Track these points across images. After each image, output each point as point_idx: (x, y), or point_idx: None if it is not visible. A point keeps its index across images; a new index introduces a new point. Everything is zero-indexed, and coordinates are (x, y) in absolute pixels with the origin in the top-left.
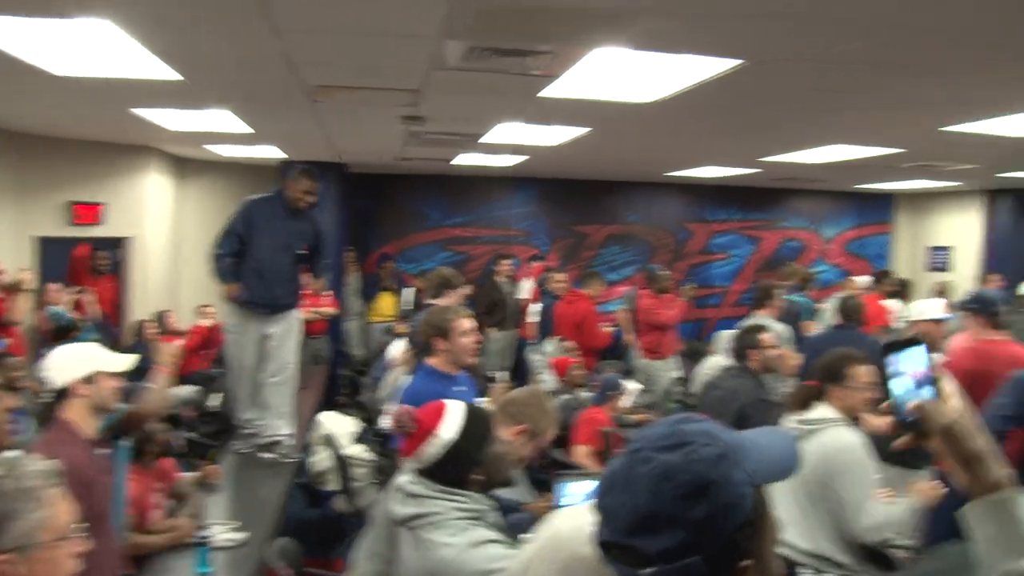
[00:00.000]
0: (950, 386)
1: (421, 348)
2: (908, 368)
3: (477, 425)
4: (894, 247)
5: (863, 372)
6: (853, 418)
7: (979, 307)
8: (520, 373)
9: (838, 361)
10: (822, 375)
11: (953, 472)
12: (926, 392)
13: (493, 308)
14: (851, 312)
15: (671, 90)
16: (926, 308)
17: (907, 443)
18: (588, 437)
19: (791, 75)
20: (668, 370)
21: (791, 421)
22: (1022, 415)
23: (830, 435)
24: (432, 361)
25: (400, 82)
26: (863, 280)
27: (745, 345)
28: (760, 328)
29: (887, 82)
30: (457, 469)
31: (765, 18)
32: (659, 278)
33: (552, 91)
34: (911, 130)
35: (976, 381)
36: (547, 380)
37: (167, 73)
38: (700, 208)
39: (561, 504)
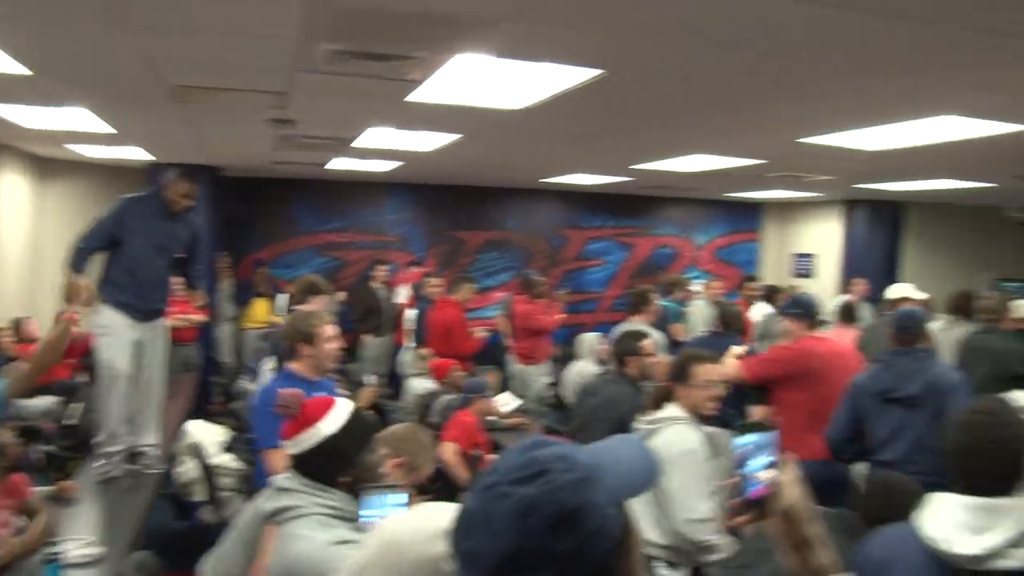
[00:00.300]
0: (791, 471)
1: (284, 353)
2: (755, 450)
3: (358, 428)
4: (762, 254)
5: (705, 371)
6: (698, 416)
7: (801, 312)
8: (396, 380)
9: (684, 361)
10: (670, 375)
11: (784, 554)
12: (769, 474)
13: (369, 314)
14: (730, 319)
15: (536, 98)
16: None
17: (747, 521)
18: (456, 436)
19: (652, 86)
20: (541, 375)
21: (641, 422)
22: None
23: (669, 432)
24: (295, 366)
25: (264, 84)
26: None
27: (625, 351)
28: (641, 335)
29: (745, 96)
30: (328, 466)
31: (624, 31)
32: (535, 283)
33: (421, 96)
34: (770, 142)
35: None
36: (419, 386)
37: (13, 67)
38: (575, 215)
39: (366, 516)
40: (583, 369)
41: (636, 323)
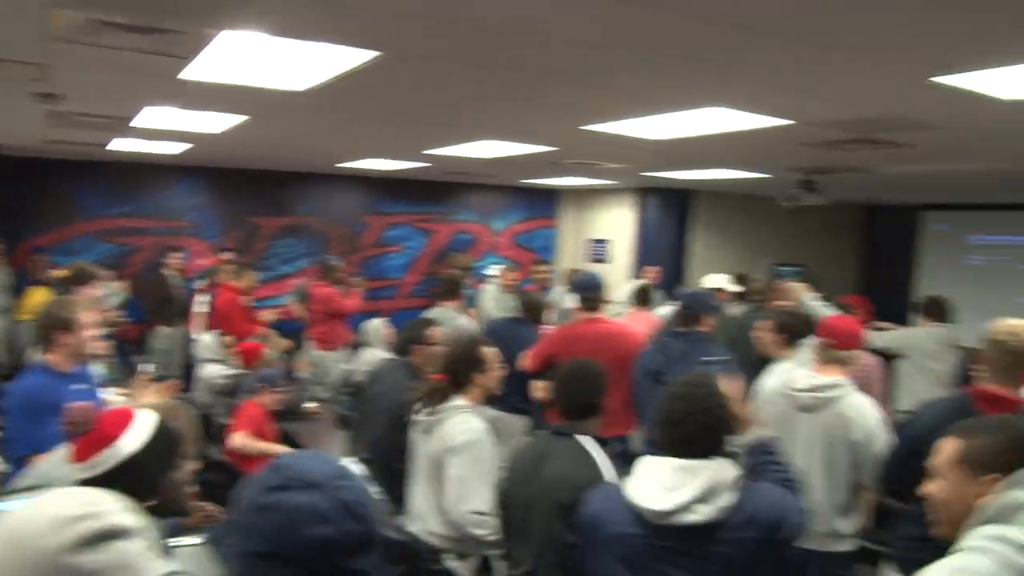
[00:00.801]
0: None
1: (40, 343)
2: None
3: (165, 444)
4: (560, 240)
5: (491, 353)
6: (487, 400)
7: (579, 294)
8: (191, 370)
9: (472, 347)
10: (465, 365)
11: None
12: None
13: (162, 303)
14: (532, 307)
15: (317, 80)
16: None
17: None
18: (243, 427)
19: (429, 71)
20: (339, 361)
21: (422, 414)
22: None
23: (452, 420)
24: (50, 357)
25: (18, 54)
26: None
27: (410, 339)
28: (428, 323)
29: (521, 84)
30: (131, 488)
31: (397, 13)
32: (334, 268)
33: (196, 75)
34: (556, 129)
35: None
36: (213, 372)
37: None
38: (374, 201)
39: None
40: (371, 356)
41: (447, 308)
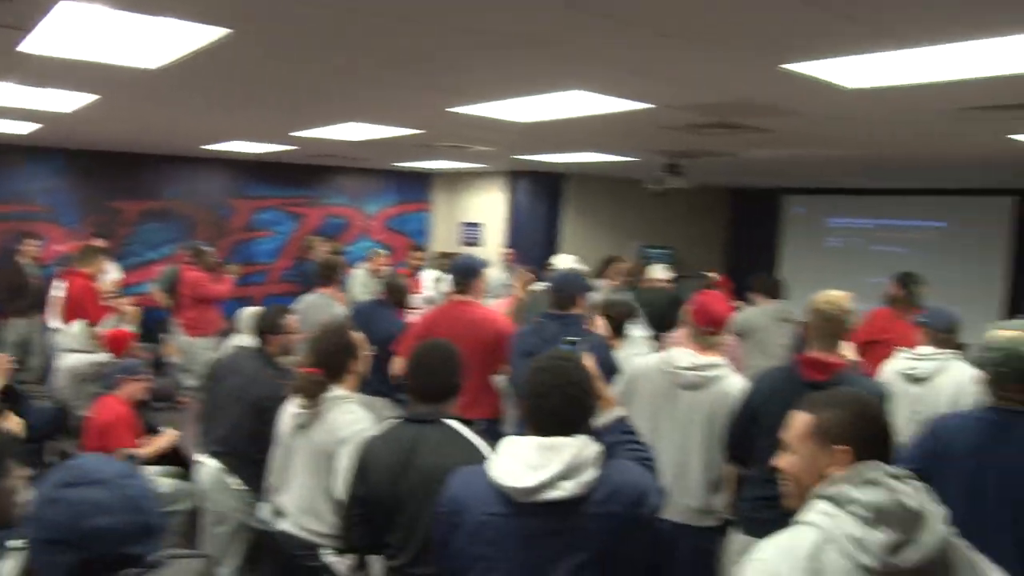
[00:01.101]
0: None
1: None
2: None
3: None
4: (433, 223)
5: (359, 338)
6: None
7: (455, 276)
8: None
9: (344, 333)
10: (339, 355)
11: None
12: None
13: (17, 293)
14: (395, 291)
15: (170, 57)
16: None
17: None
18: (104, 421)
19: (288, 50)
20: (208, 348)
21: (297, 405)
22: None
23: (338, 411)
24: None
25: None
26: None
27: (266, 328)
28: (284, 310)
29: (379, 65)
30: None
31: None
32: (205, 254)
33: (37, 48)
34: (423, 112)
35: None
36: (73, 362)
37: None
38: (243, 184)
39: None
40: (241, 344)
41: (324, 295)
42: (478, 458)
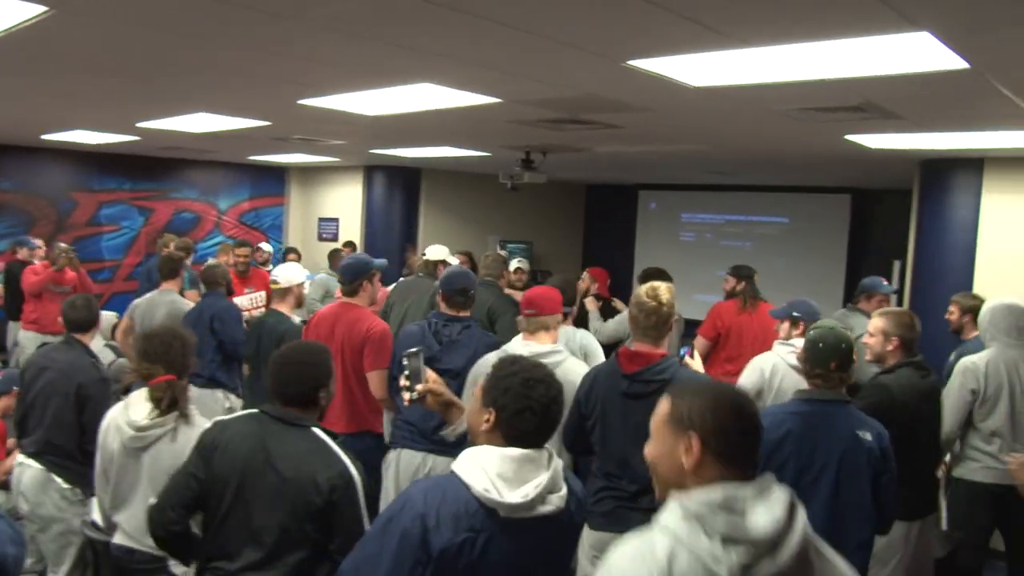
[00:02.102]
0: None
1: None
2: None
3: None
4: (288, 218)
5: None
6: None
7: (342, 277)
8: None
9: (185, 339)
10: (186, 356)
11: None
12: None
13: None
14: (216, 279)
15: None
16: (293, 273)
17: None
18: None
19: (116, 34)
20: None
21: (138, 416)
22: None
23: (190, 426)
24: None
25: None
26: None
27: (78, 319)
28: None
29: (216, 50)
30: None
31: None
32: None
33: None
34: (271, 103)
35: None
36: None
37: None
38: (87, 177)
39: None
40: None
41: (168, 289)
42: (347, 476)
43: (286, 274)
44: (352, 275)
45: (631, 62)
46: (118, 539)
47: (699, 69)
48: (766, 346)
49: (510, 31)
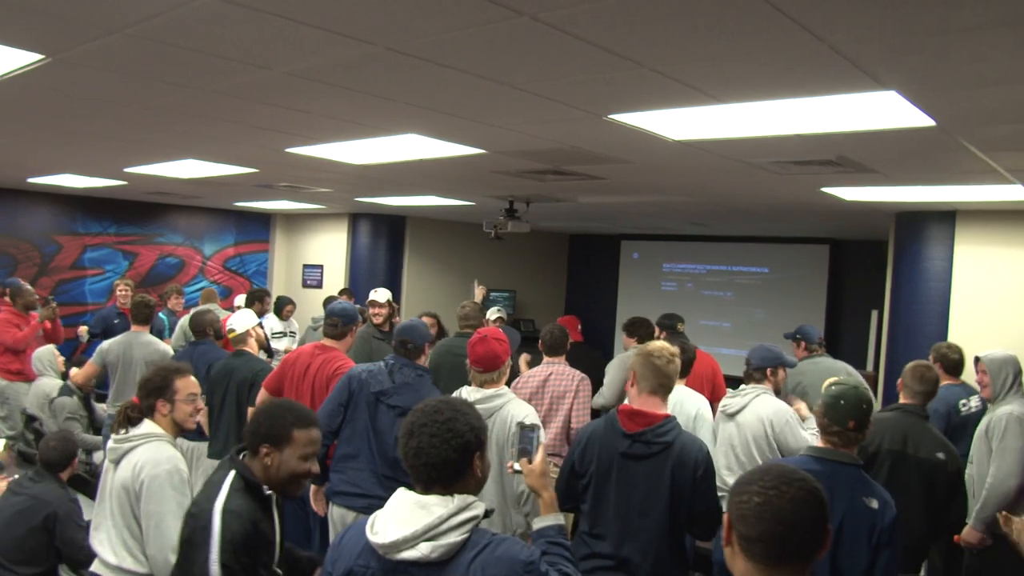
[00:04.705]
0: None
1: None
2: None
3: None
4: (273, 264)
5: (186, 384)
6: (180, 431)
7: (327, 322)
8: None
9: (166, 374)
10: (149, 391)
11: None
12: None
13: None
14: (204, 326)
15: None
16: (246, 319)
17: None
18: None
19: (109, 83)
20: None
21: (113, 440)
22: None
23: (146, 449)
24: None
25: None
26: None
27: None
28: None
29: (215, 102)
30: None
31: (55, 15)
32: (24, 293)
33: None
34: (258, 151)
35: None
36: None
37: None
38: (71, 220)
39: None
40: (46, 385)
41: (140, 332)
42: (207, 515)
43: (240, 321)
44: (347, 320)
45: (612, 116)
46: (94, 568)
47: (678, 124)
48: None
49: (491, 84)
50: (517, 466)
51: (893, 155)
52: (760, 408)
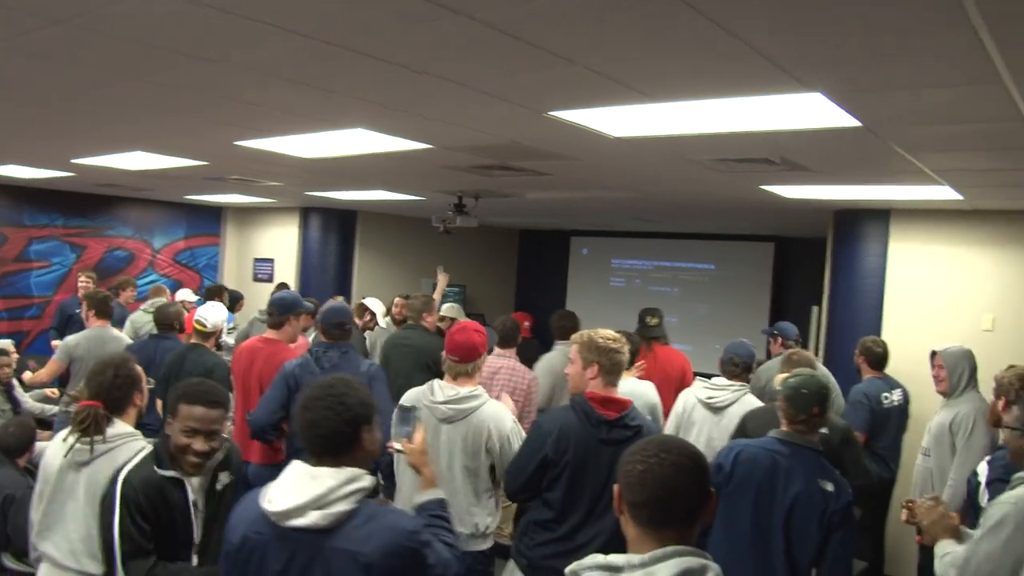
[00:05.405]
0: None
1: None
2: None
3: None
4: (224, 258)
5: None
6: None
7: (267, 311)
8: None
9: (131, 365)
10: (123, 388)
11: None
12: None
13: None
14: (168, 319)
15: None
16: (219, 316)
17: None
18: None
19: (52, 72)
20: None
21: (73, 440)
22: None
23: (128, 448)
24: None
25: None
26: (183, 293)
27: None
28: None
29: (165, 95)
30: None
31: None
32: None
33: None
34: (208, 144)
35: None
36: None
37: None
38: (16, 211)
39: None
40: None
41: (106, 327)
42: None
43: (212, 316)
44: (282, 310)
45: (552, 113)
46: (45, 571)
47: (617, 121)
48: (665, 387)
49: (431, 80)
50: (398, 445)
51: (826, 154)
52: (747, 407)
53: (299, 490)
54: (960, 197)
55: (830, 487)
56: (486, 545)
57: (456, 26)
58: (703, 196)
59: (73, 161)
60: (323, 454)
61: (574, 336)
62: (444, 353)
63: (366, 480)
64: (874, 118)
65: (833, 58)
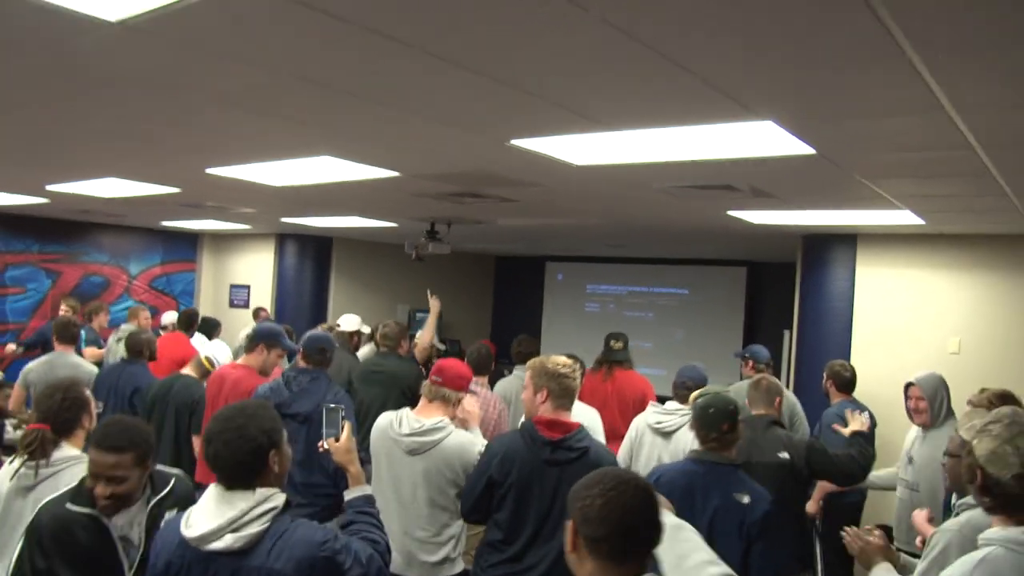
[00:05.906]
0: None
1: None
2: None
3: None
4: (200, 284)
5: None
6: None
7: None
8: None
9: (79, 389)
10: (69, 411)
11: None
12: None
13: None
14: (138, 346)
15: None
16: (225, 352)
17: None
18: None
19: (16, 100)
20: None
21: (31, 466)
22: None
23: (73, 472)
24: None
25: None
26: (168, 316)
27: None
28: None
29: (135, 123)
30: None
31: None
32: None
33: None
34: (180, 171)
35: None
36: None
37: None
38: None
39: None
40: None
41: (64, 352)
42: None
43: (222, 354)
44: (257, 337)
45: (514, 142)
46: None
47: (578, 149)
48: (622, 411)
49: (391, 111)
50: (326, 445)
51: (785, 181)
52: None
53: (214, 514)
54: (922, 222)
55: (746, 499)
56: (455, 570)
57: (412, 60)
58: (671, 222)
59: (48, 187)
60: (232, 482)
61: (529, 362)
62: (428, 379)
63: (278, 499)
64: (828, 145)
65: (781, 89)
